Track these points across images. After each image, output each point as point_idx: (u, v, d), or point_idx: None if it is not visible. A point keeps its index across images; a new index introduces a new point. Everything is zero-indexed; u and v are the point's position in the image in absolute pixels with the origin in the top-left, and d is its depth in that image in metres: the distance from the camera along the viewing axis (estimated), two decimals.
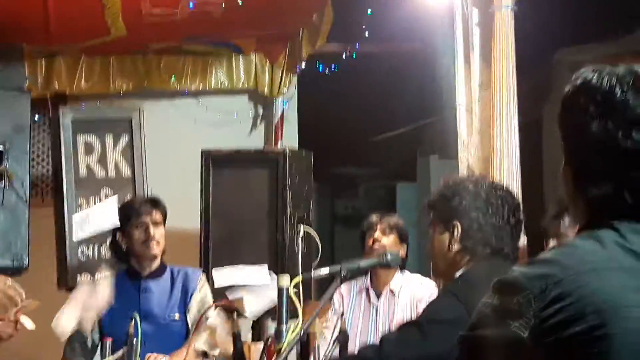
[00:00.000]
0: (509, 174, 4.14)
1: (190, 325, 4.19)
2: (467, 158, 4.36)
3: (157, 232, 4.25)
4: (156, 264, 4.30)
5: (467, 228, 2.62)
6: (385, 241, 4.72)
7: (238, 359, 2.72)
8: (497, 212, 2.64)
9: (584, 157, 1.61)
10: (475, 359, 1.63)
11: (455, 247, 2.64)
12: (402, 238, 4.82)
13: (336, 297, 4.84)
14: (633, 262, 1.54)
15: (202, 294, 4.30)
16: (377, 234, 4.74)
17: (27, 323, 3.66)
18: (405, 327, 2.60)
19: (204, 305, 4.22)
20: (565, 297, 1.50)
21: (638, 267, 1.54)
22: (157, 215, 4.27)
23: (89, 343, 4.23)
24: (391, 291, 4.74)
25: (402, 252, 4.75)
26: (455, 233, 2.63)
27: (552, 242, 3.99)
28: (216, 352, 4.16)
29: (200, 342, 4.13)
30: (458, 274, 2.61)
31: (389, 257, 2.55)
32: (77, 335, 4.24)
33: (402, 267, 4.81)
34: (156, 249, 4.24)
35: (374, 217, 4.84)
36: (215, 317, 4.23)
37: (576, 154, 1.63)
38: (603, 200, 1.59)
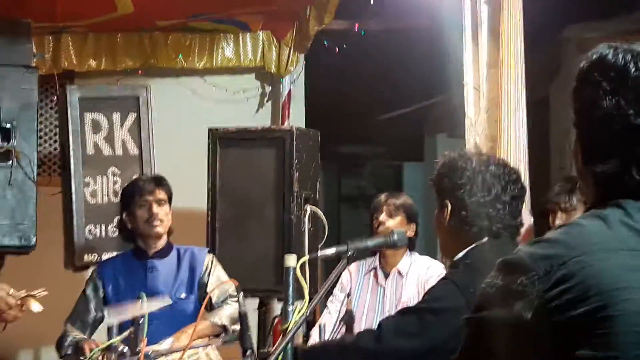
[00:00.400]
0: (516, 153, 4.12)
1: (214, 303, 4.19)
2: (474, 137, 4.34)
3: (161, 211, 4.24)
4: (162, 243, 4.30)
5: (454, 207, 2.65)
6: (391, 223, 4.69)
7: (244, 340, 2.72)
8: (483, 188, 2.65)
9: (593, 132, 1.61)
10: (481, 341, 1.63)
11: (447, 226, 2.68)
12: (411, 218, 4.79)
13: (344, 275, 4.83)
14: (639, 242, 1.54)
15: (215, 275, 4.30)
16: (383, 215, 4.72)
17: (34, 305, 3.68)
18: (405, 315, 2.60)
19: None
20: (570, 278, 1.50)
21: None
22: (160, 194, 4.26)
23: (91, 319, 4.24)
24: (399, 272, 4.73)
25: (410, 232, 4.72)
26: (446, 212, 2.66)
27: (559, 217, 3.98)
28: (237, 327, 4.15)
29: (222, 317, 4.13)
30: (458, 256, 2.62)
31: (395, 236, 2.55)
32: (79, 310, 4.25)
33: (411, 248, 4.79)
34: (160, 227, 4.23)
35: (381, 199, 4.82)
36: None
37: (587, 129, 1.63)
38: (610, 177, 1.59)
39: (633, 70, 1.58)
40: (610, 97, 1.57)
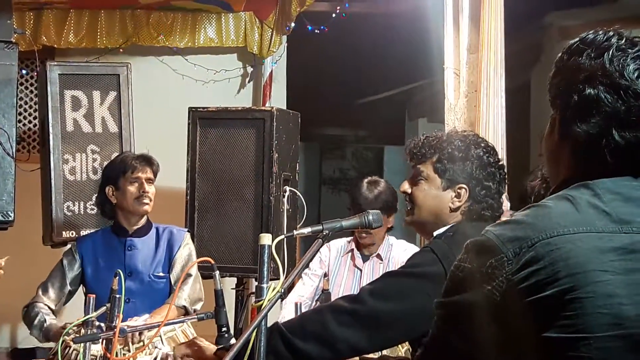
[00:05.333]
0: (494, 138, 4.15)
1: (173, 282, 4.20)
2: (454, 121, 4.36)
3: (150, 189, 4.23)
4: (142, 221, 4.28)
5: (476, 194, 2.60)
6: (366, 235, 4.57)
7: (219, 317, 2.73)
8: (500, 180, 2.65)
9: (576, 93, 1.61)
10: (452, 324, 1.64)
11: (460, 209, 2.62)
12: (388, 211, 4.56)
13: (324, 251, 4.77)
14: (607, 223, 1.55)
15: (185, 251, 4.30)
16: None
17: None
18: (384, 279, 2.59)
19: (188, 263, 4.22)
20: (539, 260, 1.51)
21: (611, 229, 1.54)
22: (150, 173, 4.24)
23: (64, 290, 4.22)
24: (378, 256, 4.71)
25: (389, 224, 4.59)
26: (462, 195, 2.61)
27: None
28: (198, 306, 4.19)
29: (181, 298, 4.14)
30: (439, 231, 2.60)
31: (370, 217, 2.52)
32: (54, 279, 4.24)
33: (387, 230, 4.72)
34: (148, 205, 4.22)
35: (360, 190, 4.61)
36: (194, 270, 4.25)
37: (569, 93, 1.62)
38: (590, 138, 1.59)
39: (616, 39, 1.61)
40: (595, 60, 1.60)
